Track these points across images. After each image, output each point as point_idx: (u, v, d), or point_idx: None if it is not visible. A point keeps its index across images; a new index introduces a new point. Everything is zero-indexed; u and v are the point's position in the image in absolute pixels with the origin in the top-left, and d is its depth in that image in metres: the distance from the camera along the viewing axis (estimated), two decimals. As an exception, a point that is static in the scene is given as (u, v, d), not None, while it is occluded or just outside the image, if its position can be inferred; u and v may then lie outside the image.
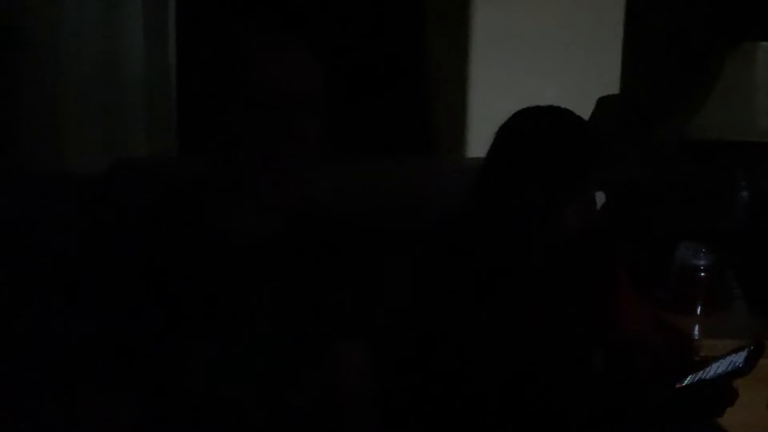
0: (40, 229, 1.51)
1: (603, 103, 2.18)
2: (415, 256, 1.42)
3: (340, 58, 2.03)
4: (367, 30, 2.14)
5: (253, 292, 1.16)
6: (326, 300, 1.21)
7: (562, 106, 1.41)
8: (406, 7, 2.14)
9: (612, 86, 2.21)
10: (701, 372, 1.28)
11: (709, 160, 1.99)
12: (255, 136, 1.11)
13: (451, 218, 1.44)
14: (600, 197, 2.13)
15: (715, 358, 1.29)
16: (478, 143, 1.49)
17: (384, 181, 1.69)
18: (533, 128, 1.40)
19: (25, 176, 1.72)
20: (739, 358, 1.24)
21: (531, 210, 1.36)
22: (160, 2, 1.94)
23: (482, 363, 1.35)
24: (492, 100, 1.54)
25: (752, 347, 1.24)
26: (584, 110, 2.15)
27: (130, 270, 1.12)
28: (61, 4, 1.80)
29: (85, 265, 1.17)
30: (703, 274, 1.84)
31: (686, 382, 1.27)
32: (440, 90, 2.16)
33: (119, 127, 1.89)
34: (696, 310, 1.85)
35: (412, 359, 1.35)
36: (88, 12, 1.84)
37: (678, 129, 1.92)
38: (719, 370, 1.25)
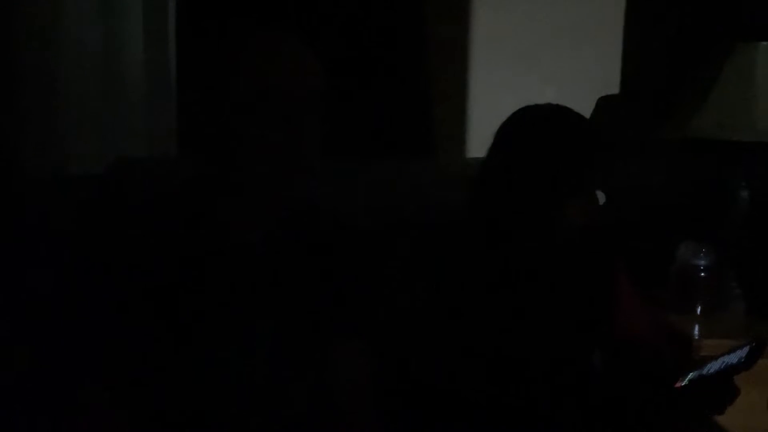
0: (40, 229, 1.51)
1: (603, 103, 2.18)
2: (416, 256, 1.42)
3: (340, 58, 2.03)
4: (366, 30, 2.14)
5: (253, 291, 1.16)
6: (326, 300, 1.21)
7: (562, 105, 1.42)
8: (406, 6, 2.14)
9: (612, 86, 2.21)
10: (701, 369, 1.28)
11: (709, 160, 1.99)
12: (254, 136, 1.11)
13: (452, 218, 1.44)
14: (600, 197, 2.13)
15: (715, 357, 1.29)
16: (478, 143, 1.49)
17: (384, 181, 1.68)
18: (532, 126, 1.39)
19: (26, 176, 1.72)
20: (740, 353, 1.24)
21: (531, 208, 1.36)
22: (160, 2, 1.94)
23: (482, 363, 1.35)
24: (492, 100, 1.54)
25: (754, 343, 1.24)
26: (584, 110, 2.16)
27: (130, 270, 1.11)
28: (61, 4, 1.80)
29: (84, 265, 1.16)
30: (703, 274, 1.84)
31: (686, 380, 1.27)
32: (440, 90, 2.16)
33: (119, 127, 1.89)
34: (696, 310, 1.85)
35: (412, 359, 1.35)
36: (88, 12, 1.84)
37: (678, 129, 1.92)
38: (720, 367, 1.25)
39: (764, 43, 1.90)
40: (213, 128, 1.14)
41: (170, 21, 1.96)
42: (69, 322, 1.16)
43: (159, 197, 1.23)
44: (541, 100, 1.43)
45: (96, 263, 1.14)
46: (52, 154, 1.81)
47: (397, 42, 2.17)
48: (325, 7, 2.09)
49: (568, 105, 1.42)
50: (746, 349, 1.24)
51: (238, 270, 1.16)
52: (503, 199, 1.38)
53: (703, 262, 1.84)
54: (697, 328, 1.77)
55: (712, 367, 1.26)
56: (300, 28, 1.19)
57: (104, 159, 1.73)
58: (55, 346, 1.26)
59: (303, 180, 1.14)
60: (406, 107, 2.20)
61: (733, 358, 1.24)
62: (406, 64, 2.18)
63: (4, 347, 1.44)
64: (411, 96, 2.20)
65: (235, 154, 1.13)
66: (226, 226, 1.17)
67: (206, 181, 1.18)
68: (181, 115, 1.95)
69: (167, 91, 1.95)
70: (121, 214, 1.24)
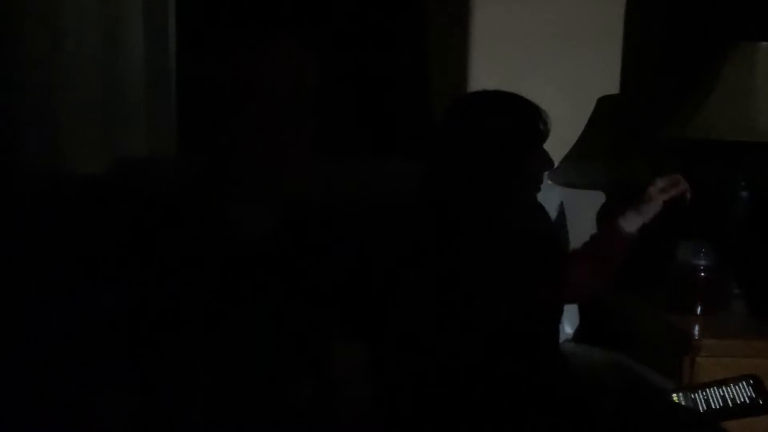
0: (41, 229, 1.51)
1: (603, 103, 2.18)
2: (411, 252, 1.42)
3: (339, 58, 2.03)
4: (365, 29, 2.14)
5: (252, 289, 1.16)
6: (323, 298, 1.21)
7: (562, 106, 1.42)
8: (405, 5, 2.14)
9: (612, 86, 2.21)
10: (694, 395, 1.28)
11: (709, 160, 1.99)
12: (252, 135, 1.11)
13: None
14: (600, 197, 2.14)
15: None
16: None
17: (382, 181, 1.69)
18: (470, 112, 1.42)
19: (26, 176, 1.72)
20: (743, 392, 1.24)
21: (472, 191, 1.39)
22: (160, 2, 1.94)
23: (474, 359, 1.35)
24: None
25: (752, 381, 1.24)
26: (584, 110, 2.16)
27: (130, 269, 1.12)
28: (62, 4, 1.80)
29: (85, 264, 1.17)
30: (703, 274, 1.84)
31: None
32: (440, 89, 2.15)
33: (119, 127, 1.89)
34: (696, 310, 1.85)
35: (406, 355, 1.35)
36: (88, 12, 1.84)
37: (678, 129, 1.92)
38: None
39: (764, 43, 1.90)
40: (211, 127, 1.14)
41: (170, 21, 1.96)
42: (69, 322, 1.16)
43: (159, 197, 1.23)
44: (541, 100, 1.43)
45: (96, 263, 1.14)
46: (52, 154, 1.81)
47: (396, 41, 2.16)
48: (323, 6, 2.09)
49: (569, 105, 1.42)
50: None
51: (239, 268, 1.16)
52: (447, 184, 1.41)
53: (703, 262, 1.84)
54: (697, 328, 1.77)
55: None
56: (298, 27, 1.19)
57: (104, 159, 1.73)
58: (54, 346, 1.26)
59: (300, 177, 1.15)
60: (406, 107, 2.19)
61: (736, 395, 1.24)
62: (405, 63, 2.18)
63: (4, 347, 1.45)
64: (410, 95, 2.19)
65: (234, 152, 1.13)
66: (225, 225, 1.17)
67: (205, 181, 1.19)
68: (181, 115, 1.95)
69: (167, 91, 1.95)
70: (121, 214, 1.24)
